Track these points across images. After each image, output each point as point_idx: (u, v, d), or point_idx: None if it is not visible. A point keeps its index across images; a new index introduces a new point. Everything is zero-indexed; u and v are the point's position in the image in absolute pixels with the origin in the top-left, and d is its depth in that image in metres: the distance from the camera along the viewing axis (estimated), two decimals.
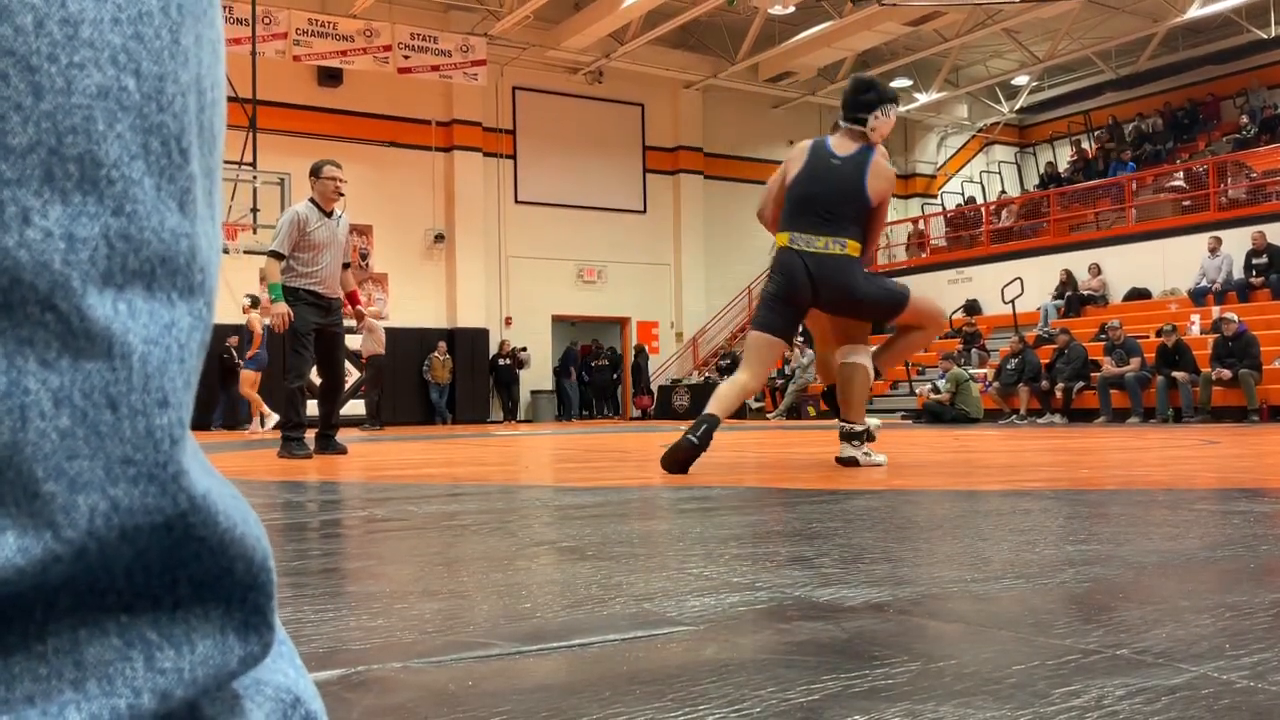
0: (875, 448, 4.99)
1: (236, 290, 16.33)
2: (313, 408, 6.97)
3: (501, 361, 20.96)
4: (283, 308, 6.60)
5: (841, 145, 4.88)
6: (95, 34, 0.37)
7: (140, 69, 0.38)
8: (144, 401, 0.38)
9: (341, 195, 6.88)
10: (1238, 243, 16.71)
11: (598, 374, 22.96)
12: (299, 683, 0.47)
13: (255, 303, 14.27)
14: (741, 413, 20.71)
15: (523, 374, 21.31)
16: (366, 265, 19.86)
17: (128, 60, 0.38)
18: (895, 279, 5.19)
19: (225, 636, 0.41)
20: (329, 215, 6.86)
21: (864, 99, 4.87)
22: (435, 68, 19.37)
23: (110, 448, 0.37)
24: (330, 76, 19.52)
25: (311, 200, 6.88)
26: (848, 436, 4.87)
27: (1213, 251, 16.90)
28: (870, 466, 4.76)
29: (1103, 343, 15.07)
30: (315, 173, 6.92)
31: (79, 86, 0.36)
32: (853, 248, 4.76)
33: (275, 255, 6.74)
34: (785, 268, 4.82)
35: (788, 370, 19.95)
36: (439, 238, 20.68)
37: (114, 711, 0.37)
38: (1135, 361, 14.22)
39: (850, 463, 4.82)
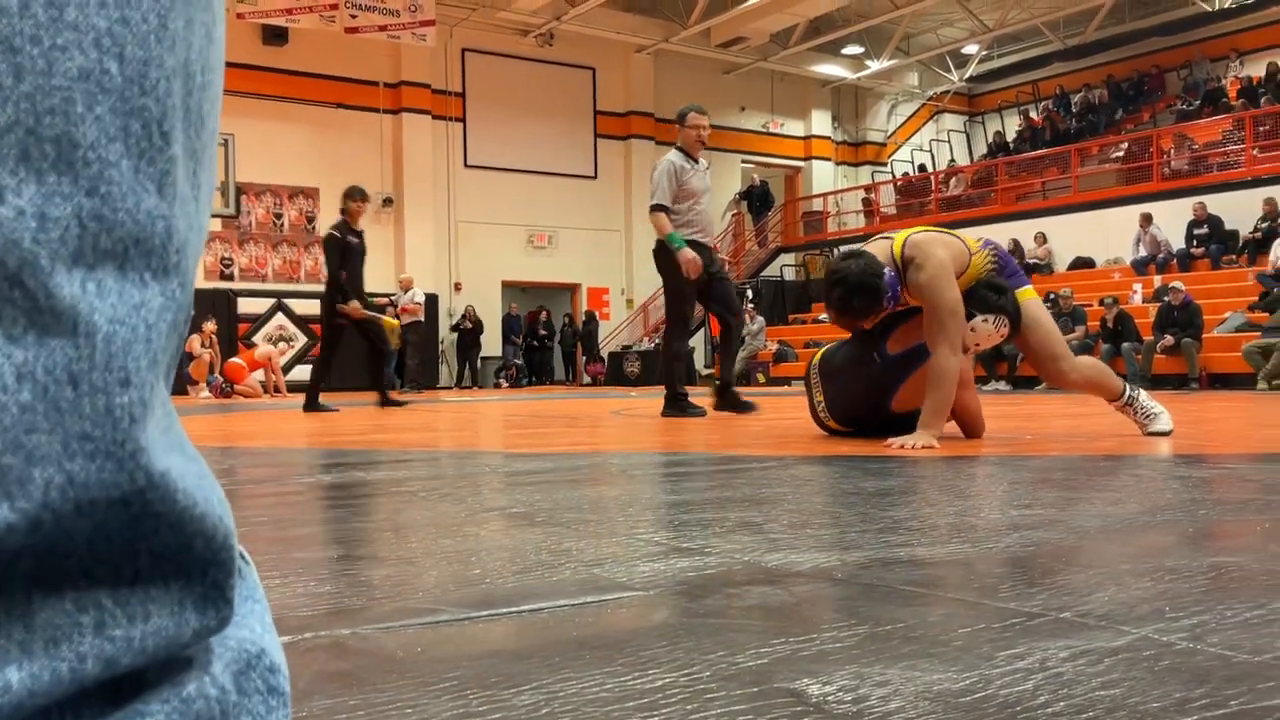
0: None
1: None
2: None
3: (464, 325, 20.78)
4: (689, 253, 6.54)
5: None
6: (80, 17, 0.37)
7: (124, 53, 0.38)
8: (105, 380, 0.38)
9: (704, 143, 6.83)
10: (1180, 213, 16.99)
11: (542, 342, 22.88)
12: (264, 638, 0.49)
13: None
14: (693, 379, 20.77)
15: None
16: (313, 229, 19.58)
17: (112, 44, 0.38)
18: None
19: (183, 610, 0.42)
20: (696, 163, 6.81)
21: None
22: (383, 28, 19.04)
23: (69, 424, 0.37)
24: (276, 36, 19.12)
25: (679, 148, 6.83)
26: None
27: (1143, 229, 17.22)
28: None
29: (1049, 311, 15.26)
30: (681, 119, 6.86)
31: (60, 69, 0.37)
32: None
33: (661, 209, 6.63)
34: None
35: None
36: (387, 201, 20.38)
37: (54, 674, 0.37)
38: (1080, 330, 14.44)
39: None
